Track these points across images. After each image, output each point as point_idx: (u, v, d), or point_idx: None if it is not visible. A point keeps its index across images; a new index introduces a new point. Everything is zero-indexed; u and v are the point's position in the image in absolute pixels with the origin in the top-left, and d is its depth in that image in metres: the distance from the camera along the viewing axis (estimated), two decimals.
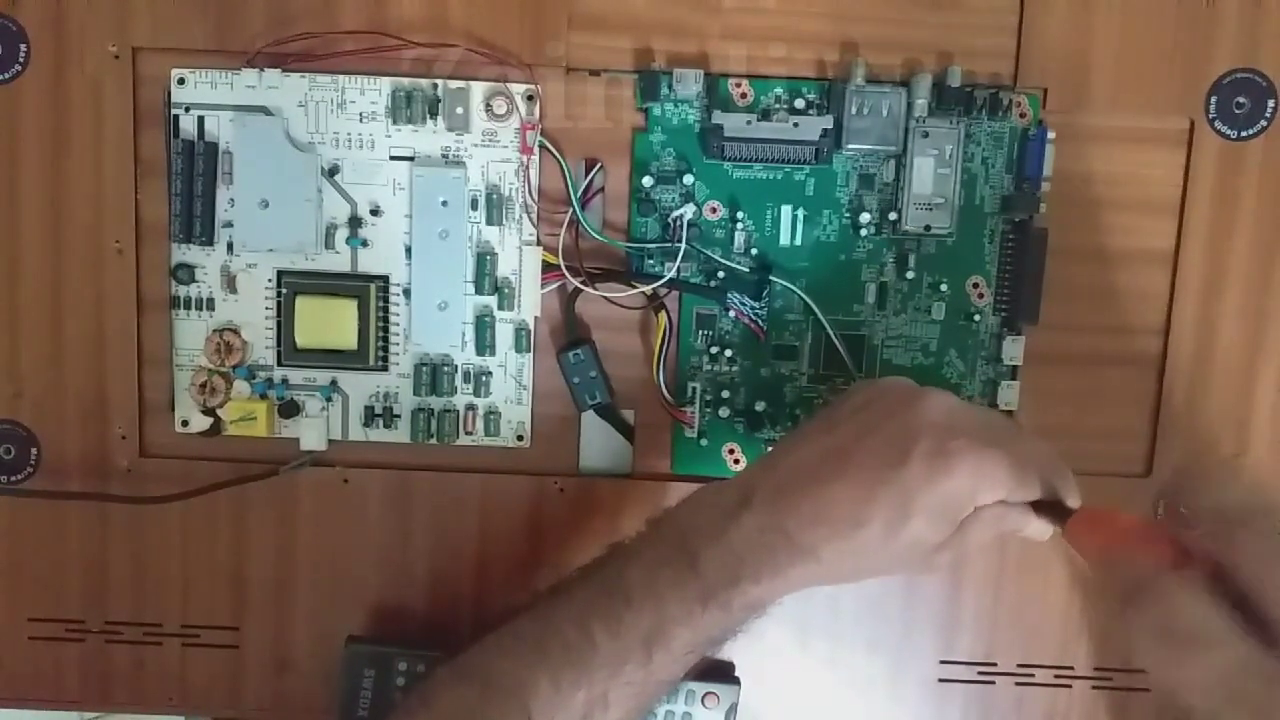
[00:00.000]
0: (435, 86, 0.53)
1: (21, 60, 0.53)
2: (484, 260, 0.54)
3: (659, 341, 0.54)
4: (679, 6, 0.53)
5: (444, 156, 0.53)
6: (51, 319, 0.54)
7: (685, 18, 0.53)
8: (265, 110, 0.53)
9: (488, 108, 0.53)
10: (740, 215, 0.54)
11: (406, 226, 0.54)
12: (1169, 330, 0.55)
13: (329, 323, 0.54)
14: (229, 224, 0.54)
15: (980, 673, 0.57)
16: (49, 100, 0.53)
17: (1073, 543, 0.40)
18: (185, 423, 0.55)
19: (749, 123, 0.51)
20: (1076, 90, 0.53)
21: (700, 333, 0.55)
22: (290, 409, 0.55)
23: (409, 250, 0.54)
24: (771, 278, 0.53)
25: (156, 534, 0.56)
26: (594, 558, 0.45)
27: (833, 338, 0.54)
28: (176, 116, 0.53)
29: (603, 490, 0.56)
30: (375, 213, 0.54)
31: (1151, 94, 0.54)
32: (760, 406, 0.55)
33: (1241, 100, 0.53)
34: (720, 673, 0.56)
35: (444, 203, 0.53)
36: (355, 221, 0.54)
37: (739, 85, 0.53)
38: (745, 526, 0.42)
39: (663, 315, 0.54)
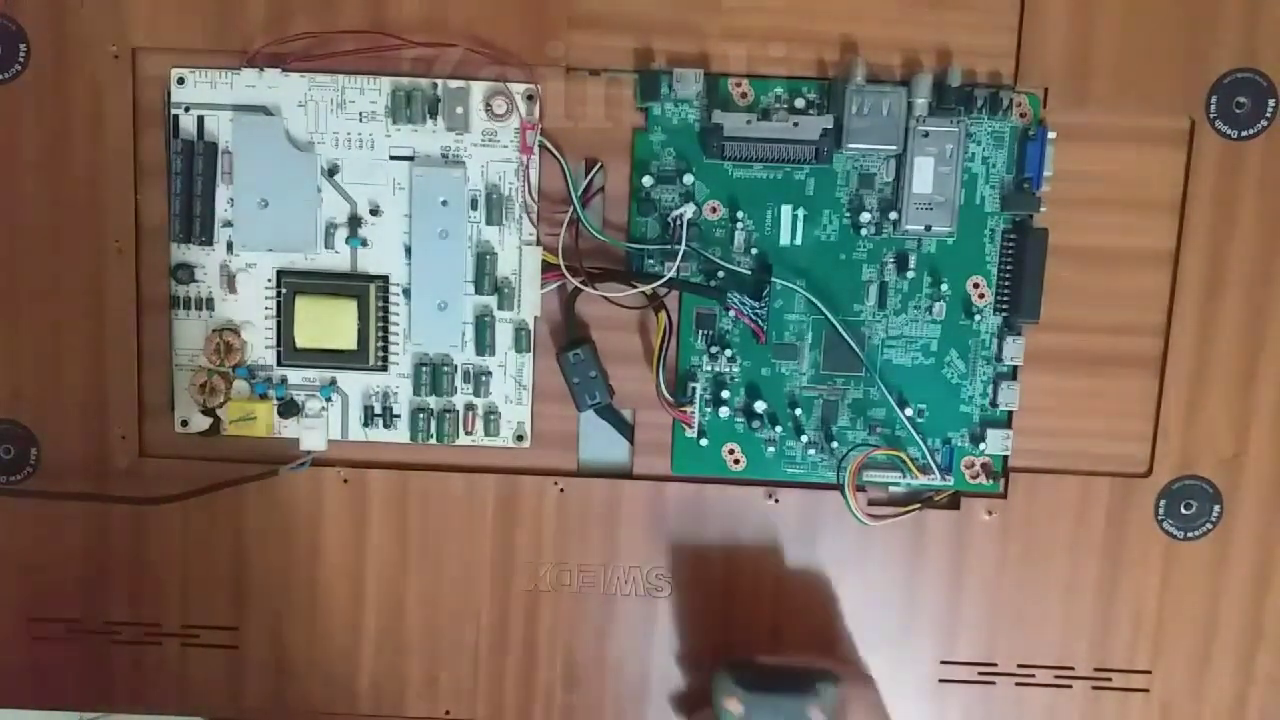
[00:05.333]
0: (435, 86, 0.53)
1: (21, 60, 0.53)
2: (484, 260, 0.54)
3: (659, 341, 0.54)
4: (679, 6, 0.53)
5: (444, 156, 0.53)
6: (51, 319, 0.54)
7: (685, 17, 0.53)
8: (265, 110, 0.53)
9: (487, 107, 0.53)
10: (740, 215, 0.54)
11: (406, 226, 0.54)
12: (1169, 330, 0.55)
13: (329, 323, 0.54)
14: (229, 224, 0.54)
15: (980, 673, 0.57)
16: (49, 100, 0.53)
17: None
18: (185, 423, 0.55)
19: (749, 122, 0.51)
20: (1077, 90, 0.53)
21: (700, 333, 0.55)
22: (290, 409, 0.55)
23: (409, 250, 0.54)
24: (773, 278, 0.53)
25: (156, 534, 0.56)
26: None
27: (839, 331, 0.54)
28: (176, 116, 0.53)
29: (603, 490, 0.56)
30: (375, 212, 0.54)
31: (1152, 93, 0.53)
32: (760, 406, 0.55)
33: (1242, 100, 0.53)
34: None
35: (444, 202, 0.53)
36: (355, 221, 0.54)
37: (739, 85, 0.53)
38: None
39: (663, 315, 0.54)
